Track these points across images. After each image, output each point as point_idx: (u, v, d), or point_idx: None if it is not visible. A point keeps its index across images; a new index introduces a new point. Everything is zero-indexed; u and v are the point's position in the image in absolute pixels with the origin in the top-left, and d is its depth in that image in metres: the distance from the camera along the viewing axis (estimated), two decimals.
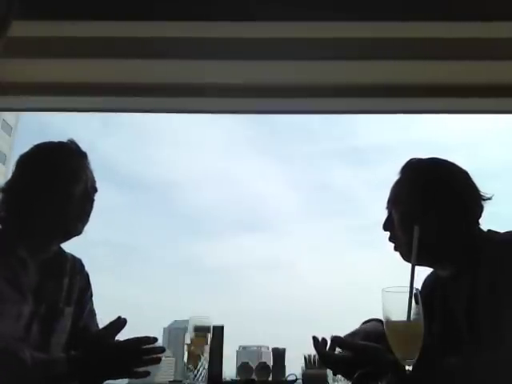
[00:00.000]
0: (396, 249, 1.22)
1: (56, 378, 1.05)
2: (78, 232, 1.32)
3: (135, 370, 1.12)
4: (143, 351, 1.12)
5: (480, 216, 1.17)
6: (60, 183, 1.27)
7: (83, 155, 1.36)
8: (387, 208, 1.26)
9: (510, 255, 1.04)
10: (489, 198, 1.17)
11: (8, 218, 1.26)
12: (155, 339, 1.13)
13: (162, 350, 1.14)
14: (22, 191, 1.26)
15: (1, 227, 1.27)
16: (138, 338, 1.13)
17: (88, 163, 1.36)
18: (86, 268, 1.43)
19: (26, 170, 1.29)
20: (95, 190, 1.35)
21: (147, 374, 1.14)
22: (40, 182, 1.26)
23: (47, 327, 1.22)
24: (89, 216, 1.33)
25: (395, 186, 1.26)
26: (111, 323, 1.14)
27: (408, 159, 1.27)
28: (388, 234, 1.25)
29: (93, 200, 1.34)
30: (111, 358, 1.10)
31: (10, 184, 1.28)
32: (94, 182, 1.36)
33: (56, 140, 1.35)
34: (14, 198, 1.27)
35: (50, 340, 1.23)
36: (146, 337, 1.13)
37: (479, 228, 1.18)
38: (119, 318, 1.14)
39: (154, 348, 1.13)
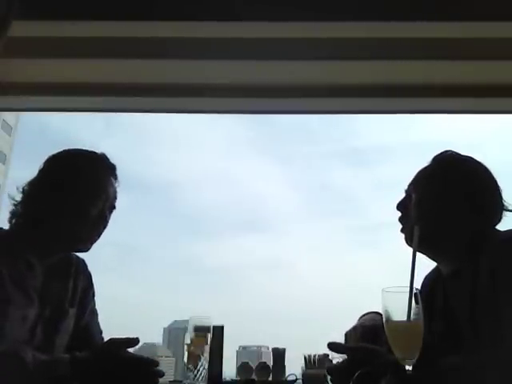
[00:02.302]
0: (402, 231, 1.24)
1: (58, 379, 1.04)
2: (86, 249, 1.31)
3: None
4: (146, 372, 1.10)
5: (496, 224, 1.18)
6: (79, 199, 1.25)
7: (109, 169, 1.34)
8: (406, 190, 1.28)
9: (511, 253, 1.04)
10: (510, 210, 1.18)
11: (21, 222, 1.26)
12: (157, 363, 1.12)
13: (162, 374, 1.13)
14: (40, 196, 1.25)
15: (13, 228, 1.26)
16: (143, 357, 1.12)
17: (114, 180, 1.33)
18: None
19: (49, 176, 1.28)
20: (113, 208, 1.33)
21: None
22: (59, 192, 1.24)
23: (52, 328, 1.22)
24: (99, 236, 1.31)
25: (422, 171, 1.27)
26: (128, 339, 1.12)
27: (444, 150, 1.28)
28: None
29: (107, 220, 1.31)
30: (115, 369, 1.08)
31: (32, 187, 1.26)
32: (114, 200, 1.33)
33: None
34: (32, 205, 1.25)
35: (54, 341, 1.23)
36: (153, 359, 1.12)
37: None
38: (137, 338, 1.12)
39: (156, 371, 1.11)
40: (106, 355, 1.10)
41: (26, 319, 1.16)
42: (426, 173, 1.27)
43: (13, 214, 1.26)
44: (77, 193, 1.26)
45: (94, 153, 1.34)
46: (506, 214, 1.18)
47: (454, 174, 1.21)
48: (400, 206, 1.26)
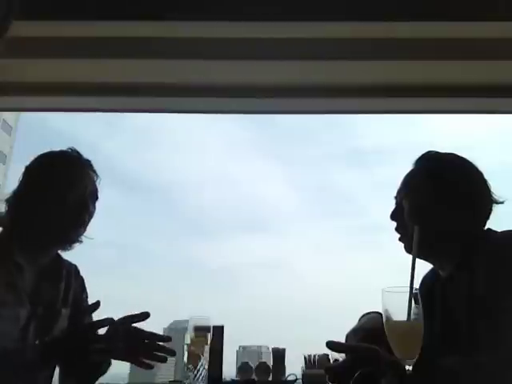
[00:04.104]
0: (401, 239, 1.22)
1: (29, 365, 1.05)
2: (74, 239, 1.33)
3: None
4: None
5: (487, 218, 1.17)
6: (54, 192, 1.29)
7: (84, 163, 1.37)
8: (396, 198, 1.26)
9: (508, 254, 1.04)
10: (501, 202, 1.17)
11: (9, 227, 1.29)
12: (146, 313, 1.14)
13: (146, 315, 1.15)
14: (22, 201, 1.29)
15: (1, 235, 1.29)
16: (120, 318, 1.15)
17: (90, 171, 1.37)
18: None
19: (26, 180, 1.32)
20: (95, 198, 1.36)
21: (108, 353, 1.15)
22: (37, 191, 1.29)
23: (46, 328, 1.24)
24: (86, 224, 1.34)
25: (408, 176, 1.25)
26: (99, 320, 1.14)
27: (426, 151, 1.26)
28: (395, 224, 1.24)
29: (89, 208, 1.33)
30: (79, 336, 1.10)
31: (14, 195, 1.31)
32: (94, 189, 1.36)
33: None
34: (15, 208, 1.29)
35: None
36: (141, 313, 1.15)
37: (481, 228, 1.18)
38: (98, 301, 1.15)
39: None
40: (80, 335, 1.11)
41: (19, 320, 1.17)
42: (413, 177, 1.25)
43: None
44: (53, 187, 1.29)
45: (66, 151, 1.37)
46: (496, 206, 1.17)
47: (441, 173, 1.20)
48: (394, 217, 1.24)
